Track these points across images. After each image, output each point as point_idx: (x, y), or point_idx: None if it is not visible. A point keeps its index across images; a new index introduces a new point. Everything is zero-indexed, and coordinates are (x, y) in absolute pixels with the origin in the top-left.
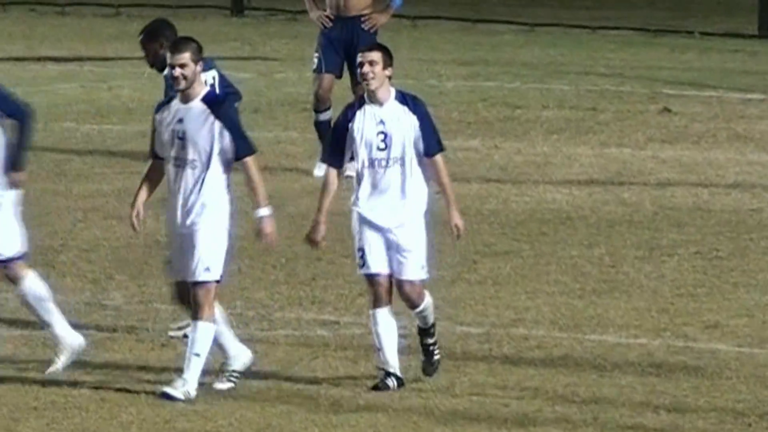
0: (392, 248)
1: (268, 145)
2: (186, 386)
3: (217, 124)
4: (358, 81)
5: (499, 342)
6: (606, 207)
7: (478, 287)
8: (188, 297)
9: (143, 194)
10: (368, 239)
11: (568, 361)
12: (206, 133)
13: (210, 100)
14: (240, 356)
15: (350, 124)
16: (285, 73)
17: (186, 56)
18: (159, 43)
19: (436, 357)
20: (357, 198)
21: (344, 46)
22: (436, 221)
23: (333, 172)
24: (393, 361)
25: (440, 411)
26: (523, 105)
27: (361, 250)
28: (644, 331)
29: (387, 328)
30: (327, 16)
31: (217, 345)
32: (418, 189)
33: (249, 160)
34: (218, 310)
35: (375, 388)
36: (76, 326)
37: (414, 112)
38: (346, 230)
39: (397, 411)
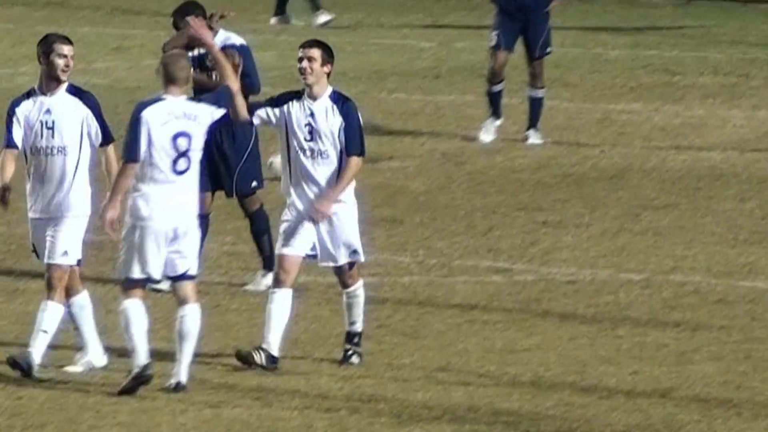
0: (321, 235)
1: (449, 108)
2: (31, 357)
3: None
4: (533, 57)
5: (659, 287)
6: (757, 164)
7: (640, 237)
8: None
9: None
10: (291, 225)
11: (722, 305)
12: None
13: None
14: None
15: (284, 107)
16: (463, 43)
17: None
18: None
19: (354, 359)
20: (288, 185)
21: (521, 23)
22: (598, 177)
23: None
24: (272, 340)
25: (605, 351)
26: (681, 72)
27: (284, 233)
28: None
29: (280, 308)
30: None
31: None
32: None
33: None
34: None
35: (242, 357)
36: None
37: (341, 112)
38: (520, 185)
39: (566, 350)
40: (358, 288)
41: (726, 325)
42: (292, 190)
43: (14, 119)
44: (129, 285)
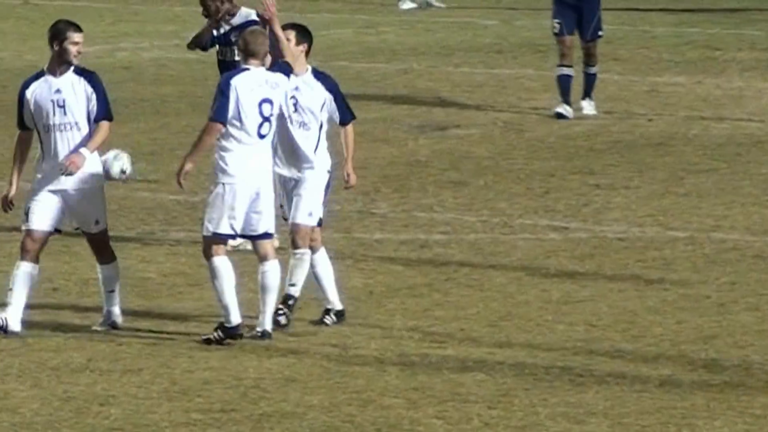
0: (294, 195)
1: (510, 81)
2: (112, 317)
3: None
4: (585, 39)
5: (701, 244)
6: None
7: (683, 199)
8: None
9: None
10: (284, 196)
11: (758, 260)
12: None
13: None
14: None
15: None
16: (523, 21)
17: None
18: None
19: (281, 319)
20: (274, 155)
21: (577, 9)
22: (645, 144)
23: None
24: (332, 297)
25: (653, 302)
26: (722, 47)
27: (282, 206)
28: None
29: (325, 268)
30: None
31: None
32: (323, 150)
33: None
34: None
35: (315, 323)
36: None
37: (328, 88)
38: (575, 151)
39: (616, 302)
40: (306, 254)
41: (763, 278)
42: (278, 161)
43: (24, 102)
44: (214, 241)
